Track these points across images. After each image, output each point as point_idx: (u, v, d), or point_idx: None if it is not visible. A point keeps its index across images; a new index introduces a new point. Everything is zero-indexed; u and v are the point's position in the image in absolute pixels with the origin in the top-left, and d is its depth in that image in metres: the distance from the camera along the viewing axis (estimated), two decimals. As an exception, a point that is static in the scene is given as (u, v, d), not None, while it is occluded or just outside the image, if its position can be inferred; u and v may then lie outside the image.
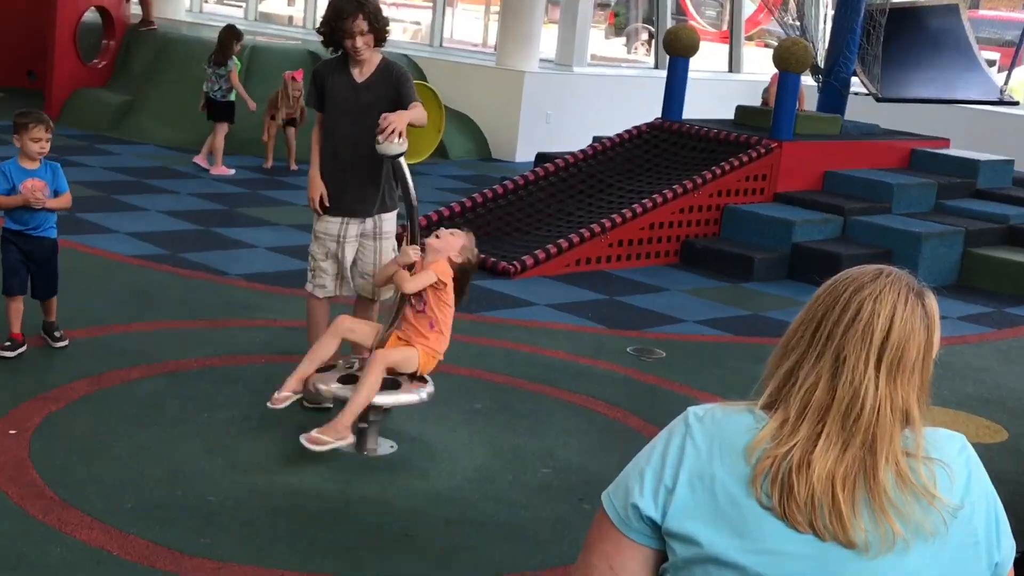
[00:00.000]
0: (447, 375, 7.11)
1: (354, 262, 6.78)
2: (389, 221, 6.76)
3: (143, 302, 8.44)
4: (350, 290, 6.82)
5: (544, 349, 8.34)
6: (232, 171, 14.02)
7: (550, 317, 9.30)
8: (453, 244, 6.09)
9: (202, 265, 9.75)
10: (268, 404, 5.92)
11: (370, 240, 6.73)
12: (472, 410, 7.06)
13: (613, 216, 11.56)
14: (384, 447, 6.31)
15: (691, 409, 2.12)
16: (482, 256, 8.08)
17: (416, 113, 6.30)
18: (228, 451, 6.06)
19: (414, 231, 6.34)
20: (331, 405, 6.34)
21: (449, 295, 6.08)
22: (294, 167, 14.51)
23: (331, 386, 6.05)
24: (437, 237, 6.17)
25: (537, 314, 9.36)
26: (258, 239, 10.88)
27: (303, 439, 5.77)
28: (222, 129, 14.09)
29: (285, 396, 5.93)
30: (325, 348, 6.13)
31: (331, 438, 5.81)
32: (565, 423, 6.99)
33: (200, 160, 14.13)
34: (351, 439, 5.93)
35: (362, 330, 6.29)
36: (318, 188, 6.62)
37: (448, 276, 6.06)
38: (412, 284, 6.07)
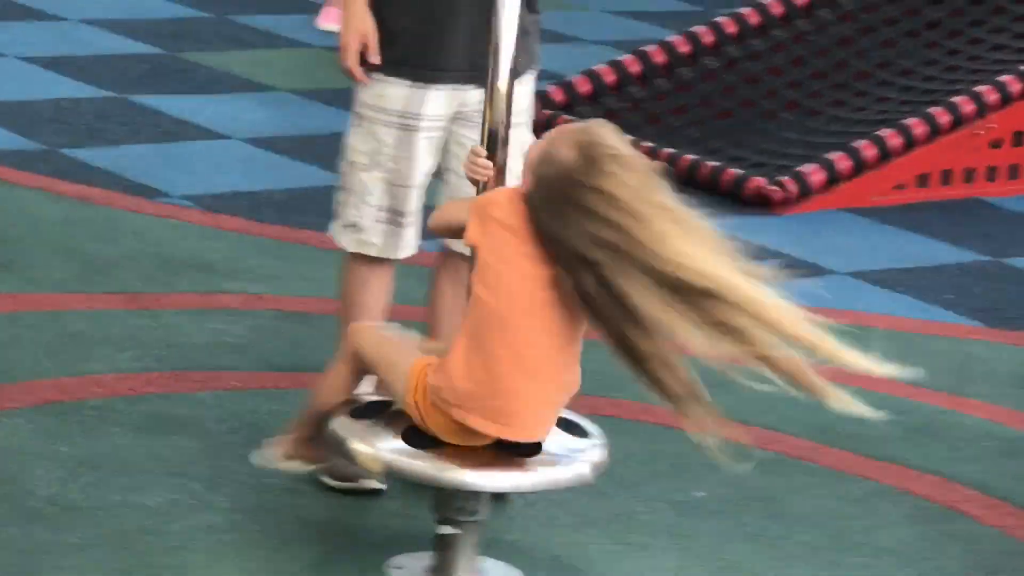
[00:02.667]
0: (628, 424, 5.40)
1: (443, 174, 5.06)
2: (526, 88, 5.00)
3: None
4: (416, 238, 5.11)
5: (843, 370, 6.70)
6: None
7: (860, 298, 7.03)
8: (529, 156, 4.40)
9: (109, 175, 7.10)
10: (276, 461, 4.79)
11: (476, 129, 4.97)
12: (685, 502, 5.37)
13: (998, 81, 7.98)
14: (497, 579, 4.55)
15: None
16: (695, 159, 6.93)
17: None
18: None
19: (496, 121, 4.58)
20: (382, 485, 4.77)
21: (484, 270, 4.23)
22: None
23: (378, 445, 4.38)
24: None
25: (836, 291, 6.81)
26: (224, 119, 7.83)
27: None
28: None
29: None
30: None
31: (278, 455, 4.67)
32: (890, 535, 5.12)
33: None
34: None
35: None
36: (360, 27, 4.92)
37: (491, 222, 4.22)
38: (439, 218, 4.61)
